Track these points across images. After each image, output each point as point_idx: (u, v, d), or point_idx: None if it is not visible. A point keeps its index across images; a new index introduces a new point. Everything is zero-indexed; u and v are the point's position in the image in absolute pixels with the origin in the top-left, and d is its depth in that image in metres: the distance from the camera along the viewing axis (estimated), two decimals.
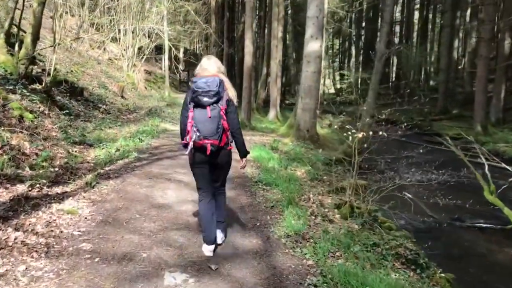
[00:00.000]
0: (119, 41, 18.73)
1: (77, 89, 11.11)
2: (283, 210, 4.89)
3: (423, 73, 35.63)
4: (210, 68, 3.53)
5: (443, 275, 3.93)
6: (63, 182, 5.44)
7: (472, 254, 5.64)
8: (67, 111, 8.97)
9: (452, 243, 5.89)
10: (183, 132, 3.52)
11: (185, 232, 4.11)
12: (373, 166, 8.29)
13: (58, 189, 5.09)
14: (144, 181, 5.92)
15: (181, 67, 29.58)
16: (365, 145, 5.52)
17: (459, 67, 31.30)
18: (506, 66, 18.49)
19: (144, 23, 18.37)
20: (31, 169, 5.40)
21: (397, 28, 40.45)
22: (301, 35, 35.51)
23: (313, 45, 11.54)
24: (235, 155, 3.68)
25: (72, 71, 12.89)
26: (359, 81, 37.95)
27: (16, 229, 3.68)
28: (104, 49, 19.05)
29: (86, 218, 4.28)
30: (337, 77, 48.47)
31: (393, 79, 38.77)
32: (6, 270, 3.03)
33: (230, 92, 3.55)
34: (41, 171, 5.38)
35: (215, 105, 3.39)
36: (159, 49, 24.56)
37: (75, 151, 7.27)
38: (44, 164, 5.68)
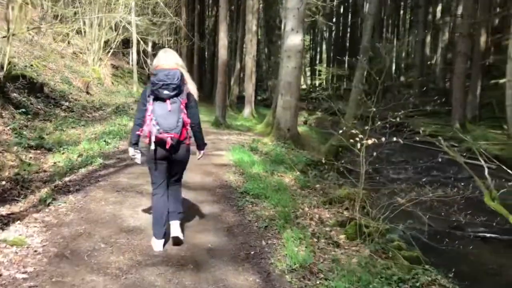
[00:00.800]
0: (84, 34, 17.49)
1: (36, 84, 10.00)
2: (280, 231, 4.11)
3: (394, 69, 35.71)
4: (168, 61, 3.45)
5: None
6: (10, 200, 4.49)
7: (485, 271, 5.06)
8: (23, 109, 8.08)
9: (461, 258, 5.29)
10: (136, 128, 3.50)
11: (162, 268, 3.25)
12: (373, 173, 7.62)
13: (3, 210, 4.15)
14: (110, 195, 5.01)
15: (149, 61, 28.26)
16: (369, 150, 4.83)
17: (430, 62, 31.46)
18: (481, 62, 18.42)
19: (111, 15, 17.13)
20: None
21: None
22: (272, 29, 35.02)
23: (293, 39, 10.84)
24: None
25: (32, 65, 11.68)
26: (332, 77, 37.77)
27: None
28: (69, 42, 17.71)
29: (36, 251, 3.37)
30: (308, 73, 48.05)
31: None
32: None
33: (191, 86, 3.55)
34: None
35: (175, 98, 3.37)
36: (126, 43, 23.26)
37: (30, 158, 6.30)
38: None
